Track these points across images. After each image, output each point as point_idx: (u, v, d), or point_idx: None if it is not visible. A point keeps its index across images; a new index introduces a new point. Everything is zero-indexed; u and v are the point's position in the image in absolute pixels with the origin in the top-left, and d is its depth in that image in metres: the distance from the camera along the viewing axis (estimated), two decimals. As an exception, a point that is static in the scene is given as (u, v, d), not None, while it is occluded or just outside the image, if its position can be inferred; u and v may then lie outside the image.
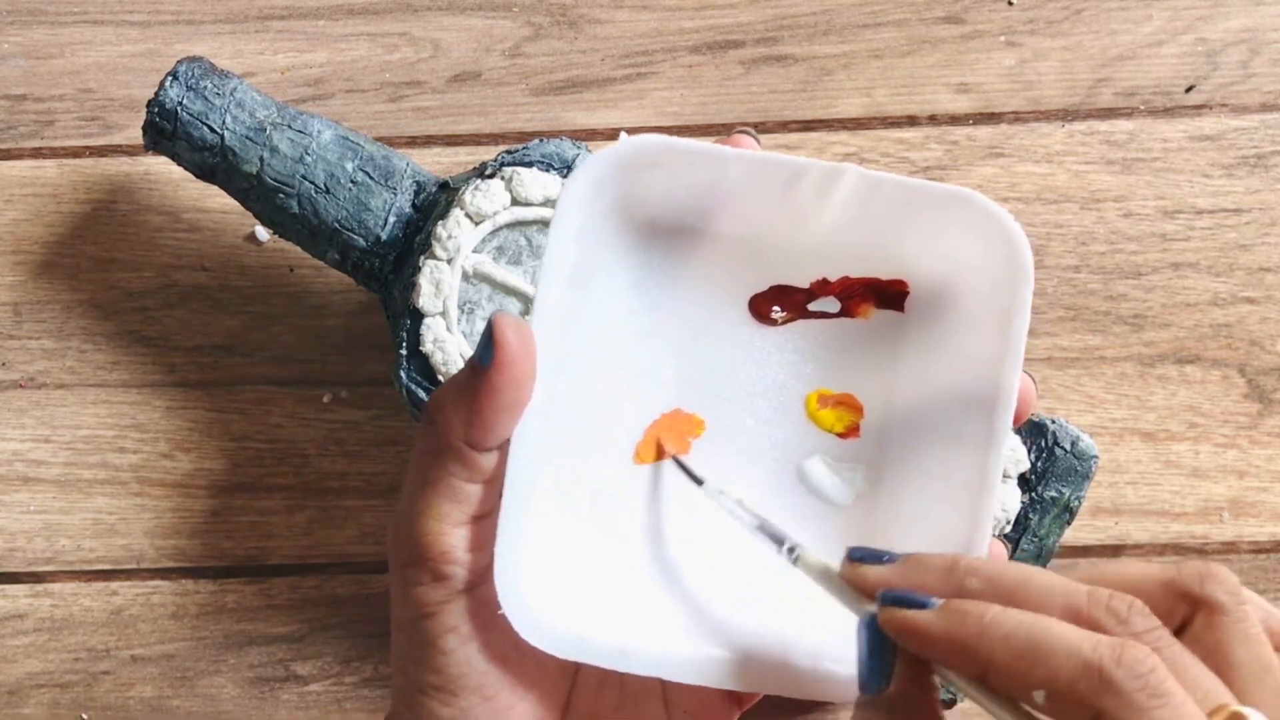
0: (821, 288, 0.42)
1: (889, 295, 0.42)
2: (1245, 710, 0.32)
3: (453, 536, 0.37)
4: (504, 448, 0.38)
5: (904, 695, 0.34)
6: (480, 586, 0.38)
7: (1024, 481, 0.57)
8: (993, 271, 0.40)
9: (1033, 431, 0.58)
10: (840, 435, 0.43)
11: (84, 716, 0.62)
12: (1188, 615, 0.34)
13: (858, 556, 0.37)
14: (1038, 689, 0.32)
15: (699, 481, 0.41)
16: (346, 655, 0.63)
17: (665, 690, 0.41)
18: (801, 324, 0.43)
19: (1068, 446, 0.57)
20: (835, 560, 0.38)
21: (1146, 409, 0.63)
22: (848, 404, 0.43)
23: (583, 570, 0.40)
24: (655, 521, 0.42)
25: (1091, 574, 0.36)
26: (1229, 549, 0.62)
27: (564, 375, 0.39)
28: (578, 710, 0.41)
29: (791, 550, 0.38)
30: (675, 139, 0.38)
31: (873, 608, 0.36)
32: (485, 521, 0.38)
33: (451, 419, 0.37)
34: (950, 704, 0.57)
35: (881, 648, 0.35)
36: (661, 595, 0.41)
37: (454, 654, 0.38)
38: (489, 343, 0.37)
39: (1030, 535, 0.57)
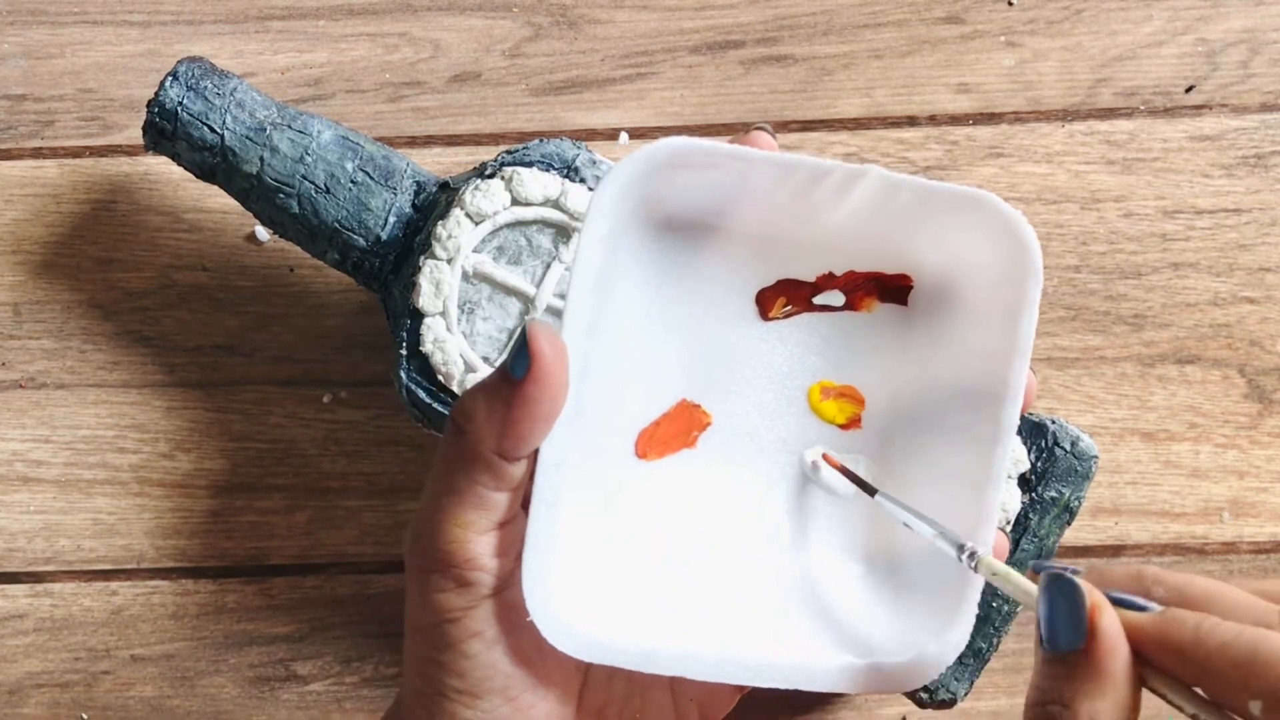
0: (827, 281, 0.42)
1: (893, 290, 0.42)
2: None
3: (478, 544, 0.37)
4: (532, 455, 0.38)
5: (1110, 651, 0.34)
6: (505, 591, 0.38)
7: (1024, 481, 0.57)
8: (1001, 270, 0.40)
9: (1033, 431, 0.58)
10: (842, 427, 0.43)
11: (84, 716, 0.62)
12: None
13: (1040, 569, 0.37)
14: (1255, 698, 0.32)
15: (872, 492, 0.41)
16: (346, 655, 0.63)
17: (672, 679, 0.41)
18: (806, 317, 0.43)
19: (1068, 446, 0.57)
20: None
21: (1146, 409, 0.63)
22: (849, 396, 0.43)
23: (605, 572, 0.40)
24: (673, 521, 0.42)
25: (1214, 590, 0.36)
26: (1229, 549, 0.62)
27: (588, 379, 0.39)
28: (589, 702, 0.41)
29: (971, 555, 0.39)
30: (704, 141, 0.38)
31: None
32: (509, 527, 0.38)
33: (483, 429, 0.37)
34: (950, 704, 0.57)
35: (1081, 606, 0.34)
36: (680, 594, 0.41)
37: (478, 658, 0.38)
38: (523, 353, 0.36)
39: (1030, 535, 0.57)
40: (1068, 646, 0.34)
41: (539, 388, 0.36)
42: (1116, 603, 0.34)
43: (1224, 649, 0.32)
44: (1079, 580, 0.34)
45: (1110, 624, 0.34)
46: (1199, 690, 0.33)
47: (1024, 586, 0.37)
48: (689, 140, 0.38)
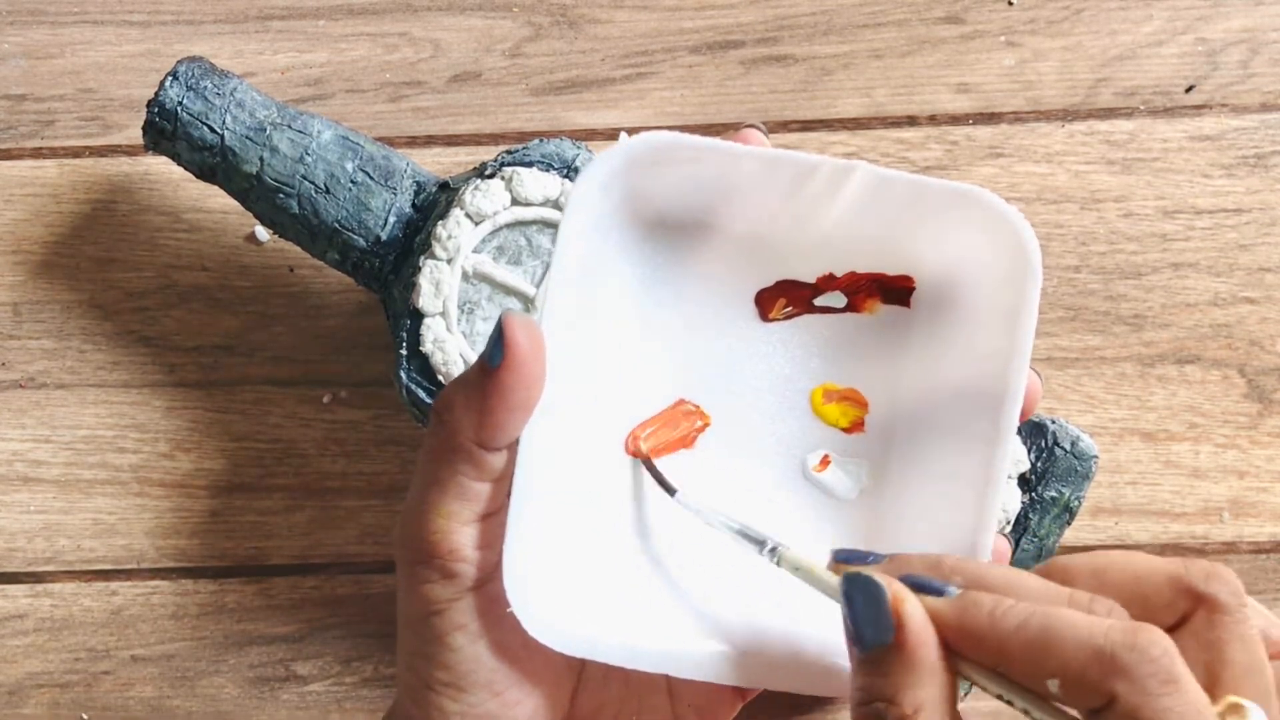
0: (828, 283, 0.42)
1: (895, 291, 0.42)
2: (1244, 703, 0.32)
3: (461, 535, 0.37)
4: (513, 446, 0.38)
5: (920, 642, 0.34)
6: (489, 584, 0.38)
7: (1024, 481, 0.57)
8: (1001, 269, 0.40)
9: (1033, 431, 0.58)
10: (845, 430, 0.43)
11: (84, 716, 0.62)
12: (1189, 611, 0.35)
13: (843, 558, 0.37)
14: (1051, 678, 0.32)
15: (671, 491, 0.41)
16: (346, 655, 0.63)
17: (670, 683, 0.41)
18: (807, 319, 0.43)
19: (1068, 446, 0.57)
20: (821, 557, 0.38)
21: (1146, 409, 0.63)
22: (853, 399, 0.43)
23: (591, 567, 0.40)
24: (662, 518, 0.42)
25: (1099, 562, 0.36)
26: (1229, 549, 0.62)
27: (572, 373, 0.39)
28: (584, 704, 0.41)
29: (773, 551, 0.38)
30: (686, 135, 0.38)
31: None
32: (494, 519, 0.38)
33: (461, 419, 0.37)
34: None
35: (883, 601, 0.34)
36: (669, 591, 0.41)
37: (463, 651, 0.38)
38: (499, 343, 0.36)
39: (1030, 535, 0.57)
40: (877, 643, 0.34)
41: (514, 376, 0.36)
42: (916, 587, 0.34)
43: (1018, 631, 0.32)
44: (878, 577, 0.34)
45: (915, 613, 0.33)
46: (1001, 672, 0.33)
47: (829, 582, 0.36)
48: (670, 134, 0.38)
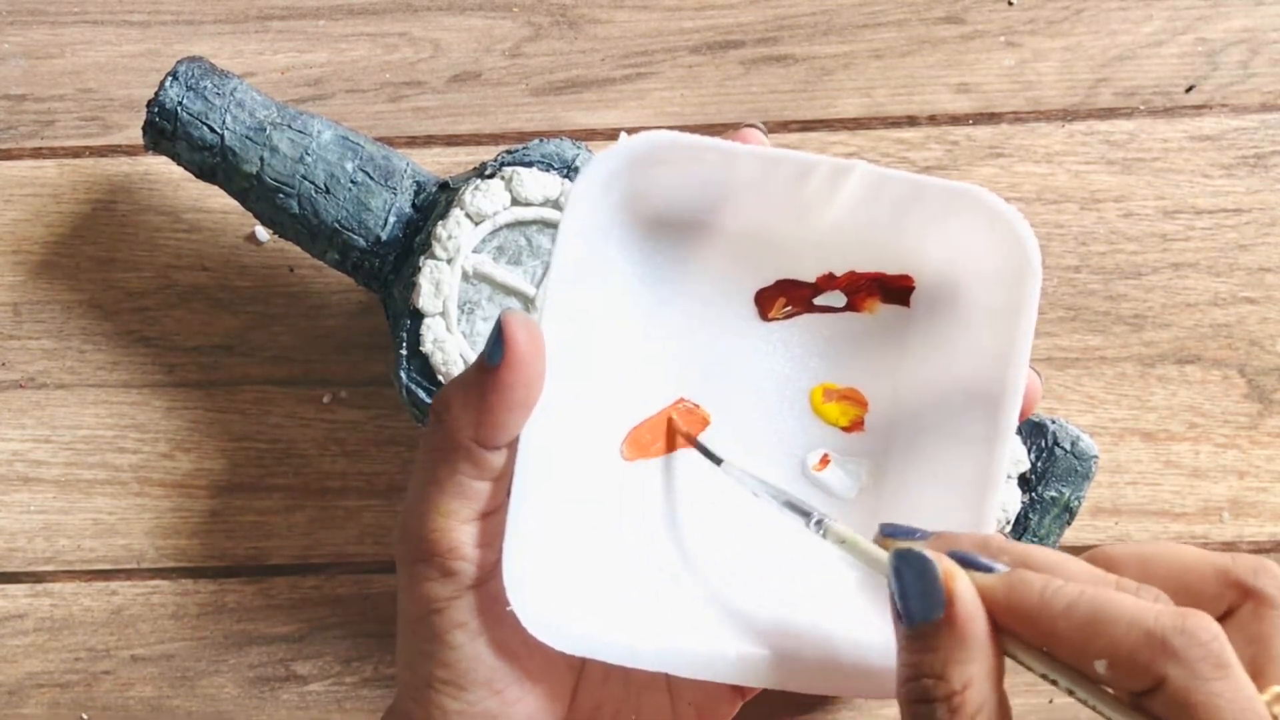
0: (827, 282, 0.42)
1: (895, 290, 0.42)
2: None
3: (461, 533, 0.38)
4: (512, 445, 0.38)
5: (971, 617, 0.33)
6: (489, 582, 0.38)
7: (1024, 481, 0.57)
8: (1000, 268, 0.40)
9: (1033, 431, 0.58)
10: (845, 429, 0.43)
11: (84, 716, 0.62)
12: (1235, 604, 0.35)
13: (889, 533, 0.37)
14: (1099, 659, 0.32)
15: (717, 461, 0.41)
16: (346, 655, 0.63)
17: (670, 682, 0.41)
18: (807, 318, 0.43)
19: (1068, 446, 0.57)
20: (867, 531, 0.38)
21: (1146, 409, 0.63)
22: (853, 398, 0.43)
23: (591, 566, 0.40)
24: (662, 517, 0.42)
25: (1145, 552, 0.36)
26: (1229, 549, 0.62)
27: (571, 372, 0.39)
28: (584, 702, 0.41)
29: (819, 523, 0.38)
30: (685, 135, 0.38)
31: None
32: (493, 518, 0.38)
33: (460, 418, 0.37)
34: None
35: (935, 577, 0.34)
36: (669, 590, 0.41)
37: (462, 649, 0.38)
38: (498, 341, 0.37)
39: (1030, 535, 0.57)
40: (926, 618, 0.33)
41: (514, 374, 0.37)
42: (964, 563, 0.34)
43: (1068, 611, 0.32)
44: (928, 552, 0.34)
45: (966, 589, 0.33)
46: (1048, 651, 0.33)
47: (875, 555, 0.36)
48: (669, 134, 0.38)
